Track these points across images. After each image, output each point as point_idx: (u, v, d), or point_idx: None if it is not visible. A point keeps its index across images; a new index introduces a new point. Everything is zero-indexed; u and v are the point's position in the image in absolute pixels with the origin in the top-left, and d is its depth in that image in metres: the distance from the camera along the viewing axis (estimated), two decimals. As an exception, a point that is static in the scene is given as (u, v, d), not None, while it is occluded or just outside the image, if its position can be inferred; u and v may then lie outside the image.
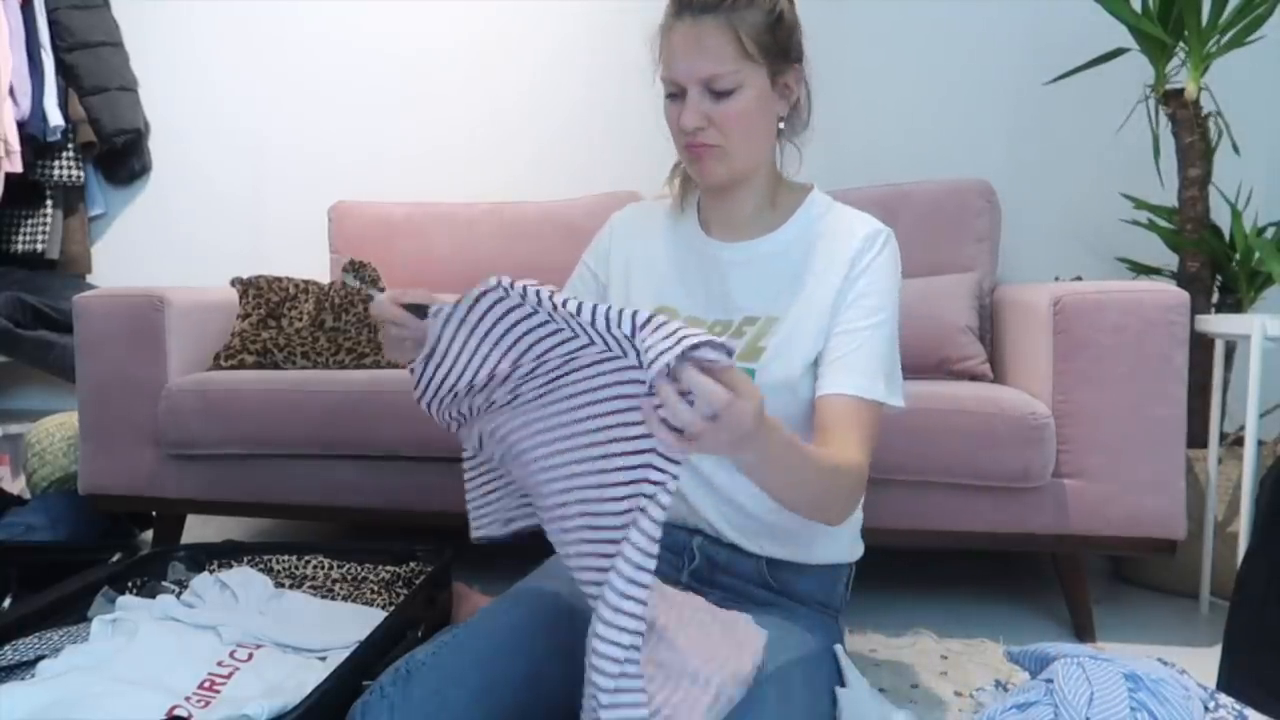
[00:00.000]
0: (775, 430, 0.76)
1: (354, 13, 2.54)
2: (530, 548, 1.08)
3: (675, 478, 0.70)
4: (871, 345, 0.96)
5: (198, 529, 2.06)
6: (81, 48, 2.55)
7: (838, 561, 1.04)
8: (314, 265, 2.47)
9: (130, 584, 1.34)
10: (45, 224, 2.56)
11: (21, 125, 2.42)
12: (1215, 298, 1.84)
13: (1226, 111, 1.83)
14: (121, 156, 2.64)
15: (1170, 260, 1.90)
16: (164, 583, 1.36)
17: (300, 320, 1.95)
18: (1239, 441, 1.70)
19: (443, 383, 0.83)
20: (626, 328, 0.67)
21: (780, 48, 0.95)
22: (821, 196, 1.06)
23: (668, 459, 0.70)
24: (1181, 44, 1.79)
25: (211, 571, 1.39)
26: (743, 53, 0.92)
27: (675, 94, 0.96)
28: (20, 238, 2.56)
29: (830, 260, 0.99)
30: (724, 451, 0.72)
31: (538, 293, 0.72)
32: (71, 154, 2.55)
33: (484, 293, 0.76)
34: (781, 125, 1.01)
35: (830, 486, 0.88)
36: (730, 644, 0.83)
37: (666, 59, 0.96)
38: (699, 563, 1.04)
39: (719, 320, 1.02)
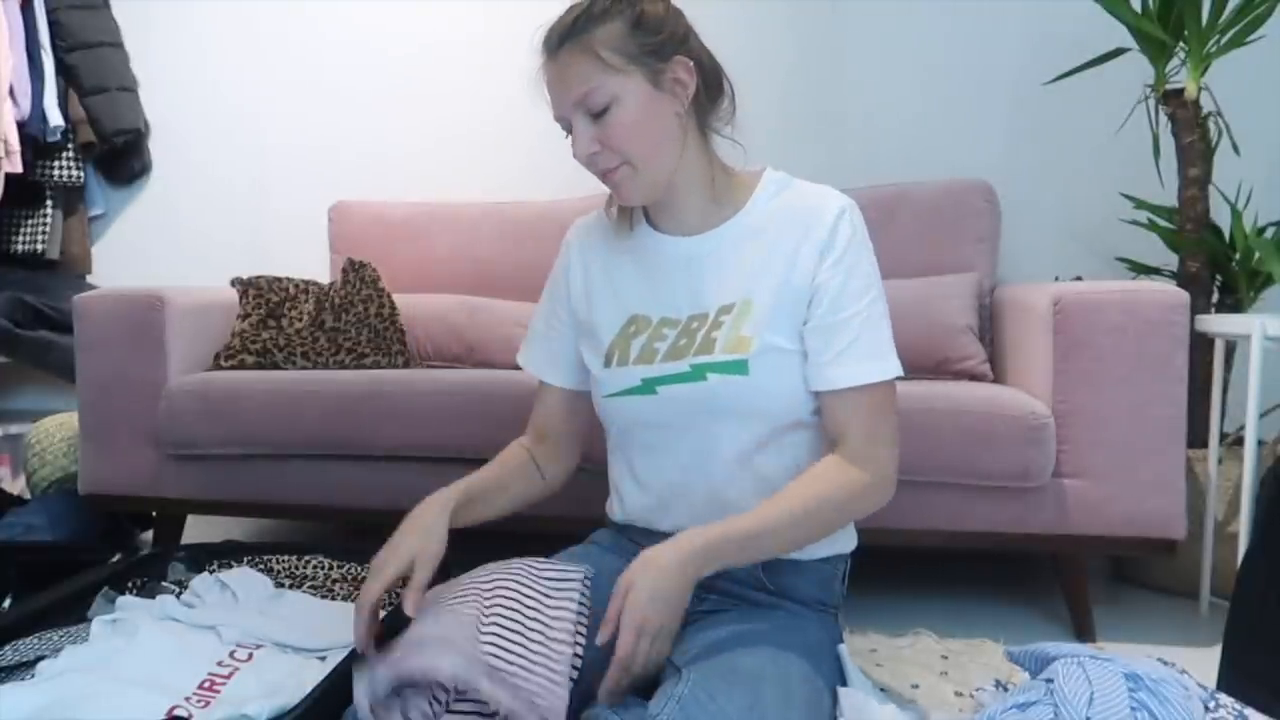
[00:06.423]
0: (714, 545, 0.86)
1: (354, 12, 2.54)
2: (530, 549, 1.08)
3: None
4: (873, 324, 0.96)
5: (198, 529, 2.06)
6: (81, 48, 2.55)
7: (833, 554, 1.04)
8: (314, 265, 2.47)
9: (130, 584, 1.34)
10: (45, 224, 2.56)
11: (21, 125, 2.42)
12: (1215, 298, 1.84)
13: (1226, 111, 1.83)
14: (121, 156, 2.64)
15: (1170, 260, 1.90)
16: (164, 583, 1.36)
17: (300, 320, 1.95)
18: (1239, 441, 1.70)
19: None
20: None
21: (649, 48, 0.94)
22: (777, 175, 1.05)
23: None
24: (1181, 44, 1.79)
25: (211, 572, 1.38)
26: (604, 66, 0.93)
27: (568, 129, 0.98)
28: (20, 238, 2.56)
29: (801, 239, 0.97)
30: (671, 609, 0.84)
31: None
32: (71, 154, 2.55)
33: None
34: (682, 118, 0.97)
35: (830, 517, 0.93)
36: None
37: (549, 99, 0.99)
38: None
39: (694, 315, 1.01)
